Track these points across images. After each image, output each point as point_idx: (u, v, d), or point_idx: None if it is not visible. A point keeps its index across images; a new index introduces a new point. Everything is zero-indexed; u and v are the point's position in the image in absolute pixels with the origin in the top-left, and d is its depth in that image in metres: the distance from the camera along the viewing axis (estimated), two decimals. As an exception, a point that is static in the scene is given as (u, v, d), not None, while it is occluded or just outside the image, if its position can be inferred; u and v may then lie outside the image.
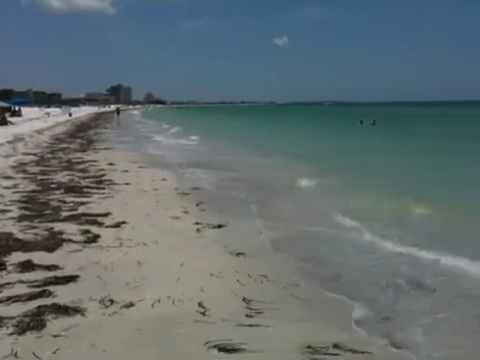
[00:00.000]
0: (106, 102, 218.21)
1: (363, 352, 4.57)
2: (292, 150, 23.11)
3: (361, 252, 7.75)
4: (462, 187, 12.91)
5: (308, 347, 4.59)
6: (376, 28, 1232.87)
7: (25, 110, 68.11)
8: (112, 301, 5.49)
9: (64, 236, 7.94)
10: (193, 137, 33.87)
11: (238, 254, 7.44)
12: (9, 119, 46.44)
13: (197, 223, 9.16)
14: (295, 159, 19.61)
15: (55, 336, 4.66)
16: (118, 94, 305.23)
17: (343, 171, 16.13)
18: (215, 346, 4.57)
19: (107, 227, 8.68)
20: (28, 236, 7.88)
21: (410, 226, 9.23)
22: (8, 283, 5.91)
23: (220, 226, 9.09)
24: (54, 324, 4.89)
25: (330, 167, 17.12)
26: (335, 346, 4.62)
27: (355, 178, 14.66)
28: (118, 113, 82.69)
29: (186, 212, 10.12)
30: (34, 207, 9.98)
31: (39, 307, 5.22)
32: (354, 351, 4.57)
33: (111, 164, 17.43)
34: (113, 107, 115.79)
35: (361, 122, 52.64)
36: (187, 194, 12.33)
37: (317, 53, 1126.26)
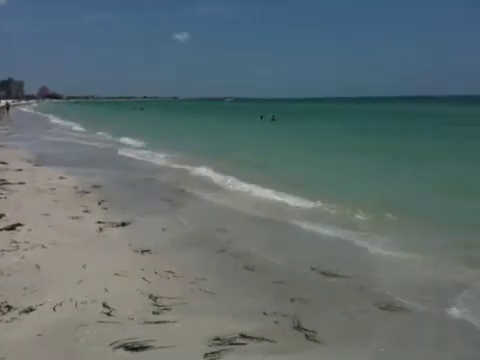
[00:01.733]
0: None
1: (269, 340, 4.72)
2: (193, 145, 23.36)
3: (269, 243, 8.01)
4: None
5: (216, 339, 4.66)
6: (275, 26, 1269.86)
7: None
8: (9, 307, 5.18)
9: None
10: (92, 134, 32.62)
11: (143, 251, 7.34)
12: None
13: (99, 222, 8.88)
14: (196, 154, 19.63)
15: None
16: (9, 88, 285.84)
17: (249, 166, 16.53)
18: (121, 346, 4.49)
19: (0, 230, 8.14)
20: None
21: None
22: None
23: (124, 224, 8.89)
24: None
25: (232, 161, 17.35)
26: (242, 336, 4.74)
27: (258, 172, 15.13)
28: (8, 109, 77.34)
29: (87, 211, 9.76)
30: None
31: None
32: (261, 339, 4.72)
33: (3, 163, 16.28)
34: (3, 103, 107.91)
35: (261, 117, 54.37)
36: (87, 192, 11.88)
37: (218, 50, 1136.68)
